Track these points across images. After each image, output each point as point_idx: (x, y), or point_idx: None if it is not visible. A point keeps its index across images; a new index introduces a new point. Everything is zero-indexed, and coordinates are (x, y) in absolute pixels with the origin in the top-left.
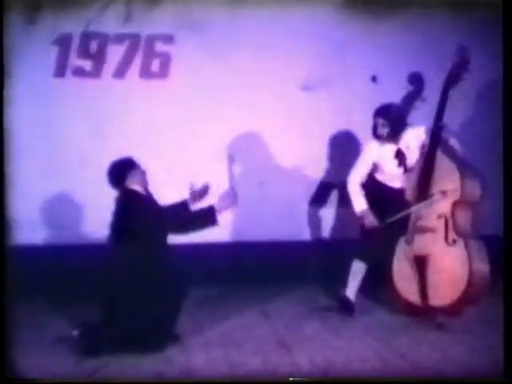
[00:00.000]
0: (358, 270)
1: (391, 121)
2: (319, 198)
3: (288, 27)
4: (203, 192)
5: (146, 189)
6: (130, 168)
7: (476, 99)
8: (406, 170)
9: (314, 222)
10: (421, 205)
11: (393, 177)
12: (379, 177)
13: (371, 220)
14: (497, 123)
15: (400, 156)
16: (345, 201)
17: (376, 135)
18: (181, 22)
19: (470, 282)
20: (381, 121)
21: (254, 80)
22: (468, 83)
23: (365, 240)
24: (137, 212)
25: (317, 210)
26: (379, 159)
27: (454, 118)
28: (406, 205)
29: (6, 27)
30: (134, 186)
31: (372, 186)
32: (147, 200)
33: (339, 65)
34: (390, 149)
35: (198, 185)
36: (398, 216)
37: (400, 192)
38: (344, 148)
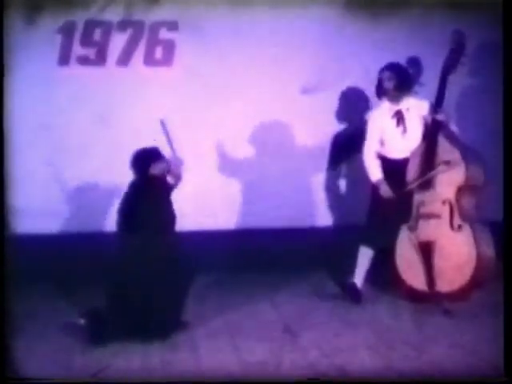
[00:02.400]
0: (364, 255)
1: (398, 75)
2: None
3: (288, 27)
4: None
5: (165, 177)
6: (156, 159)
7: (476, 86)
8: (405, 132)
9: (322, 209)
10: (431, 173)
11: (394, 146)
12: (382, 150)
13: (386, 190)
14: (497, 109)
15: (399, 116)
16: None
17: (379, 92)
18: (180, 20)
19: (478, 267)
20: (387, 74)
21: (257, 71)
22: (468, 71)
23: (371, 224)
24: (157, 199)
25: (325, 196)
26: (382, 126)
27: (455, 104)
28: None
29: (7, 20)
30: (157, 173)
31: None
32: (167, 188)
33: (339, 66)
34: (390, 110)
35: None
36: (416, 183)
37: (403, 162)
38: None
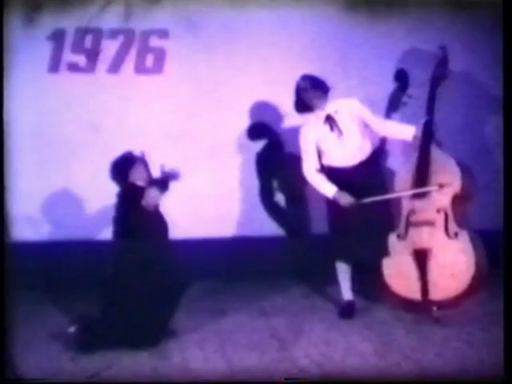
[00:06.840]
0: (343, 270)
1: (310, 81)
2: None
3: (287, 26)
4: (173, 176)
5: (148, 181)
6: (132, 163)
7: (471, 95)
8: (341, 134)
9: (313, 218)
10: (408, 192)
11: (334, 153)
12: (327, 161)
13: (347, 199)
14: (493, 118)
15: (330, 121)
16: None
17: (298, 106)
18: (178, 19)
19: (475, 275)
20: (302, 84)
21: (250, 77)
22: (461, 80)
23: (340, 238)
24: (138, 206)
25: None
26: (316, 137)
27: (453, 114)
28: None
29: (6, 26)
30: (137, 180)
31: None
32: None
33: (338, 65)
34: (318, 118)
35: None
36: (378, 199)
37: (349, 170)
38: None
